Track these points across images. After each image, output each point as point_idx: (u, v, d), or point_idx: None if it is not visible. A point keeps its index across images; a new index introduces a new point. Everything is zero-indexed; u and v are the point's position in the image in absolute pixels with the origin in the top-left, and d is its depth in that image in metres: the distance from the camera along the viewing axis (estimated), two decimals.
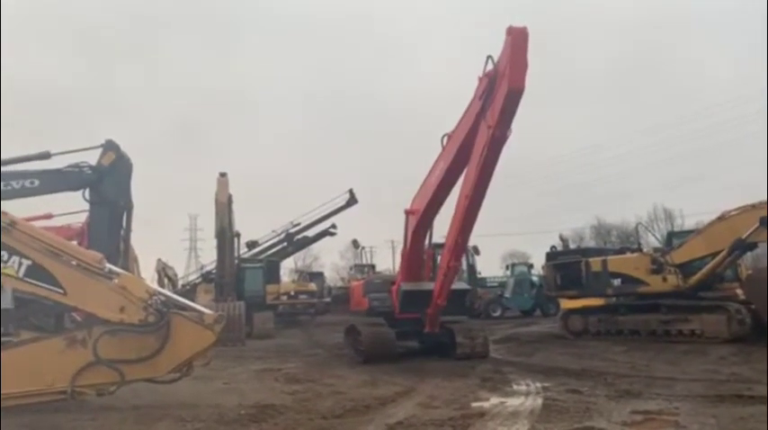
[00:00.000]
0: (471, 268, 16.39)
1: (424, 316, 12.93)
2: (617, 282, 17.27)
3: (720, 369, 10.50)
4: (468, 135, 11.01)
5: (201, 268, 40.25)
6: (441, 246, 13.07)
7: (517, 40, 9.57)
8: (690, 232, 18.02)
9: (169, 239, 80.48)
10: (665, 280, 16.01)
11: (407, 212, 13.68)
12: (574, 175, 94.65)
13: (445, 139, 12.01)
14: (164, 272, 34.94)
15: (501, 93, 9.81)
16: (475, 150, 10.74)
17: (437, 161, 12.42)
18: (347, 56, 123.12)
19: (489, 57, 10.16)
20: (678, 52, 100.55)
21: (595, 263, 17.87)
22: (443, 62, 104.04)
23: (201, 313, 8.09)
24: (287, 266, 45.50)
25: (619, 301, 18.00)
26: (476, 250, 17.05)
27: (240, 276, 25.77)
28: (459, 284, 13.60)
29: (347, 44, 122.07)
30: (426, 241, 13.81)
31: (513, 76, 9.55)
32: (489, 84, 10.21)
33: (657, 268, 16.16)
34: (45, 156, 11.37)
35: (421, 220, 13.14)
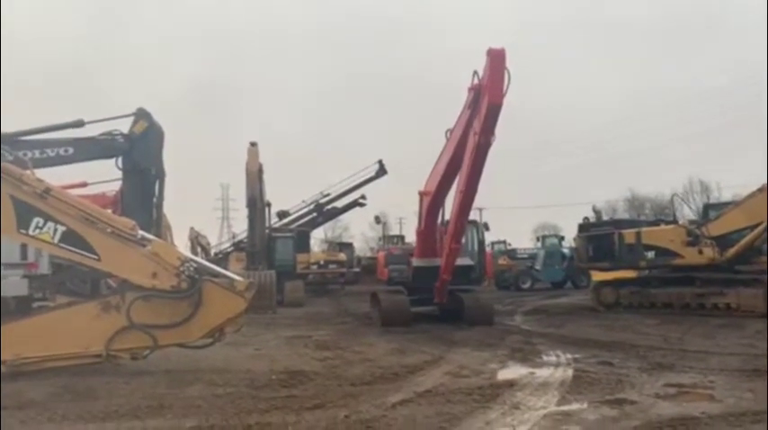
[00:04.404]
0: (481, 244, 17.50)
1: (434, 288, 14.05)
2: (651, 254, 16.97)
3: (757, 343, 10.24)
4: (462, 136, 12.32)
5: (233, 237, 40.73)
6: None
7: (495, 60, 10.84)
8: (727, 204, 17.56)
9: (202, 208, 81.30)
10: (700, 252, 15.66)
11: (421, 193, 14.80)
12: (608, 147, 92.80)
13: (448, 134, 13.32)
14: (196, 240, 35.49)
15: (483, 106, 11.10)
16: (466, 152, 12.06)
17: (442, 153, 13.78)
18: (383, 19, 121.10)
19: (475, 72, 11.48)
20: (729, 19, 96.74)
21: (629, 235, 17.54)
22: (479, 27, 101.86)
23: (233, 280, 8.20)
24: (317, 237, 45.78)
25: (651, 274, 17.70)
26: (486, 226, 18.40)
27: (271, 245, 25.98)
28: (463, 260, 14.74)
29: (383, 6, 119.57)
30: (439, 219, 14.79)
31: (492, 93, 10.83)
32: (475, 96, 11.55)
33: (693, 240, 15.81)
34: (78, 124, 11.52)
35: (433, 201, 14.29)
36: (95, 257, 7.71)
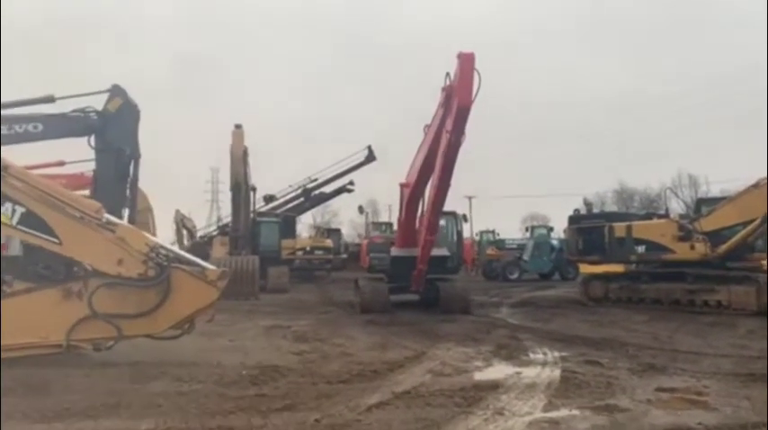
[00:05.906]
0: (459, 234, 18.04)
1: (411, 277, 14.63)
2: (641, 248, 16.63)
3: (750, 344, 9.91)
4: (436, 134, 12.73)
5: (219, 220, 40.20)
6: None
7: (465, 64, 11.14)
8: (720, 199, 17.23)
9: (193, 191, 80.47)
10: (692, 248, 15.30)
11: (402, 185, 15.22)
12: (600, 138, 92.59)
13: (426, 129, 13.65)
14: (182, 223, 34.93)
15: (453, 108, 11.52)
16: (439, 150, 12.47)
17: (420, 147, 14.18)
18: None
19: (447, 74, 11.86)
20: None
21: (620, 228, 17.15)
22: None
23: (204, 268, 7.74)
24: (306, 222, 45.31)
25: (641, 268, 17.37)
26: (465, 218, 19.05)
27: (256, 230, 25.57)
28: (440, 251, 15.34)
29: None
30: (419, 210, 14.96)
31: (461, 95, 11.20)
32: (447, 97, 11.98)
33: (685, 235, 15.47)
34: (49, 99, 10.96)
35: (412, 193, 14.65)
36: (56, 241, 7.24)
